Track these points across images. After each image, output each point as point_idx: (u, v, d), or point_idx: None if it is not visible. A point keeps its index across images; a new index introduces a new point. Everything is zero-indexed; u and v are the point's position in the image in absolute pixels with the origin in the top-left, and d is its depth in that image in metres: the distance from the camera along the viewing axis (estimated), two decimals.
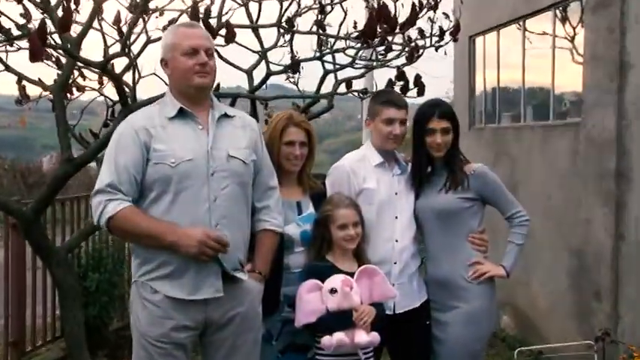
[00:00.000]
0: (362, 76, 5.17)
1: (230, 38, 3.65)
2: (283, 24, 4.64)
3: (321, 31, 4.74)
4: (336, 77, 5.01)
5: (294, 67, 4.89)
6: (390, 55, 4.93)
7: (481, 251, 3.23)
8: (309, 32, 4.74)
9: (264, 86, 5.21)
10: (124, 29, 3.79)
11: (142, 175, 2.61)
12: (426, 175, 3.28)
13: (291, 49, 4.85)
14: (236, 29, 4.15)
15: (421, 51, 4.88)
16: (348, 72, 5.04)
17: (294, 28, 4.71)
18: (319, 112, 5.39)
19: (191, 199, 2.61)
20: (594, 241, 5.94)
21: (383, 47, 4.82)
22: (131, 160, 2.59)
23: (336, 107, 5.56)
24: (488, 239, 3.27)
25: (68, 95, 4.73)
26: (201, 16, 3.67)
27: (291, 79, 5.14)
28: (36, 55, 2.74)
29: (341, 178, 3.19)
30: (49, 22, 3.51)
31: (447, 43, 5.00)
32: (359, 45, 4.69)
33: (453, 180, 3.19)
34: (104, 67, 3.89)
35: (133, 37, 3.86)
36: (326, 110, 5.40)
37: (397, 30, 4.51)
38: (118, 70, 4.14)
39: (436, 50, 5.03)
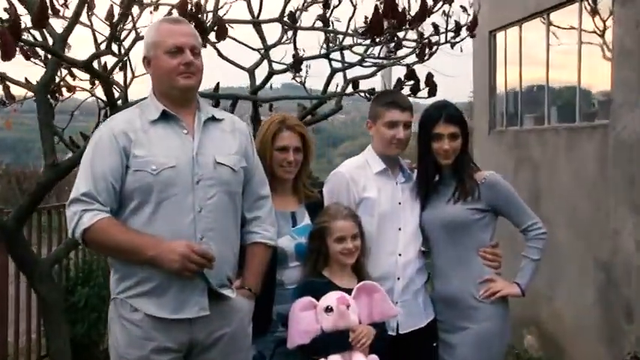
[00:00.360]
0: (372, 75, 5.13)
1: (221, 35, 3.62)
2: (285, 19, 4.61)
3: (324, 27, 4.71)
4: (344, 76, 4.98)
5: (296, 65, 4.86)
6: (401, 53, 4.90)
7: (493, 267, 3.19)
8: (312, 28, 4.72)
9: (269, 86, 5.21)
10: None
11: (121, 184, 2.59)
12: (432, 184, 3.24)
13: (295, 46, 4.82)
14: (237, 25, 4.15)
15: (435, 48, 4.85)
16: (359, 71, 5.01)
17: (297, 24, 4.69)
18: (327, 114, 5.37)
19: (174, 209, 2.58)
20: (624, 254, 5.85)
21: (392, 44, 4.80)
22: (109, 167, 2.57)
23: (353, 108, 5.57)
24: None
25: (58, 96, 4.74)
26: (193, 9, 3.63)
27: (298, 79, 5.13)
28: (7, 53, 2.73)
29: (339, 186, 3.15)
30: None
31: (463, 40, 4.96)
32: (368, 42, 4.66)
33: (462, 189, 3.15)
34: (89, 66, 3.87)
35: (124, 34, 3.86)
36: (334, 112, 5.37)
37: (407, 25, 4.48)
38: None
39: (452, 47, 5.00)
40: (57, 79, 4.60)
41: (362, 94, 4.92)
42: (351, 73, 4.96)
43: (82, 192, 2.56)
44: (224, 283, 2.69)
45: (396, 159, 3.26)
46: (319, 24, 4.75)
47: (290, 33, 4.77)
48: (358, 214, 3.07)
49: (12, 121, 5.92)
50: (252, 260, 2.82)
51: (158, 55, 2.67)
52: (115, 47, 3.80)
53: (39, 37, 4.08)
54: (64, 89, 4.83)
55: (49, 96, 4.66)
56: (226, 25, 3.69)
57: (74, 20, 3.76)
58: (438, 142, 3.13)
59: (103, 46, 3.92)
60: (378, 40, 4.41)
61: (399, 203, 3.19)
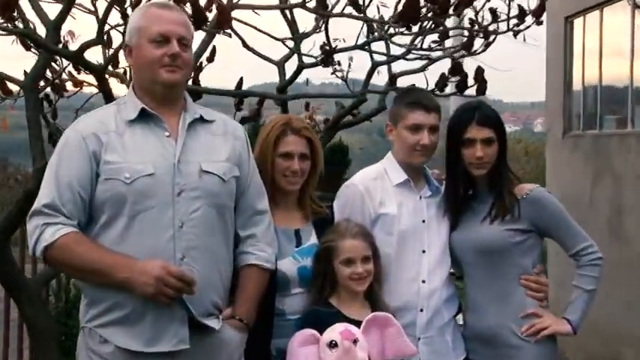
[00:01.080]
0: (422, 69, 5.07)
1: (224, 22, 3.60)
2: (308, 4, 4.56)
3: (355, 13, 4.65)
4: (389, 70, 4.93)
5: (326, 58, 4.82)
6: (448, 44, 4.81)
7: (538, 299, 3.12)
8: (341, 15, 4.65)
9: (304, 83, 5.18)
10: (129, 11, 3.79)
11: (90, 194, 2.59)
12: (464, 200, 3.18)
13: (327, 36, 4.78)
14: (261, 11, 4.11)
15: (492, 37, 4.77)
16: (405, 65, 4.95)
17: (332, 10, 4.63)
18: (369, 114, 5.31)
19: (151, 224, 2.57)
20: None
21: (437, 33, 4.72)
22: (76, 174, 2.57)
23: None
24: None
25: (61, 91, 4.81)
26: None
27: (338, 74, 5.11)
28: None
29: (352, 200, 3.11)
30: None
31: (528, 27, 4.87)
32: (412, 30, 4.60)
33: (500, 206, 3.08)
34: (79, 57, 3.91)
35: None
36: (377, 111, 5.32)
37: (451, 11, 4.40)
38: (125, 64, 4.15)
39: (514, 36, 4.92)
40: (59, 72, 4.67)
41: (398, 93, 4.86)
42: (398, 68, 4.89)
43: (44, 203, 2.56)
44: (210, 312, 2.66)
45: (421, 169, 3.20)
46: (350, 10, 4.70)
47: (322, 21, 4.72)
48: (374, 233, 3.03)
49: (8, 121, 6.02)
50: (245, 285, 2.79)
51: (141, 43, 2.67)
52: (119, 37, 3.84)
53: (38, 27, 4.13)
54: (68, 84, 4.90)
55: (50, 91, 4.77)
56: (230, 11, 3.66)
57: (68, 5, 3.81)
58: (470, 149, 3.06)
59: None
60: (415, 28, 4.33)
61: (423, 221, 3.13)
